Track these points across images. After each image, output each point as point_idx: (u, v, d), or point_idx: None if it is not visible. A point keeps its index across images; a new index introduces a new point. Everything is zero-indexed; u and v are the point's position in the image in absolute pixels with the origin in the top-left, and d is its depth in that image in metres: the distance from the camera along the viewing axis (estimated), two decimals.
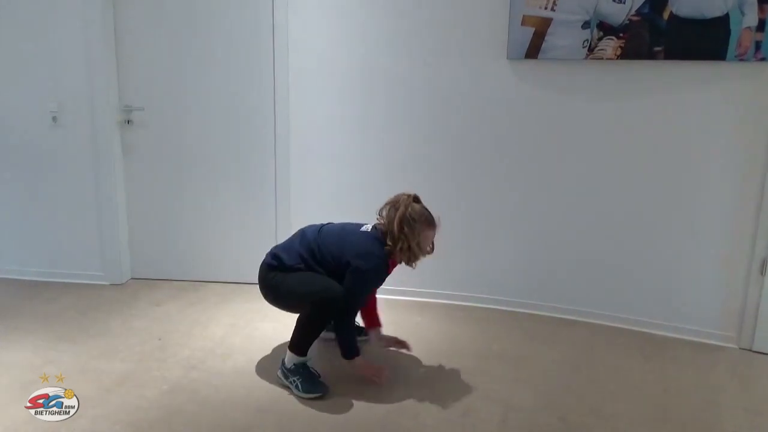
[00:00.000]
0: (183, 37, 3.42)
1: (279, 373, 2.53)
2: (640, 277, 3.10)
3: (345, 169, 3.42)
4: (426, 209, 2.51)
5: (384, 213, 2.52)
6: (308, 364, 2.50)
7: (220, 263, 3.66)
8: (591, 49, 2.94)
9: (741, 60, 2.73)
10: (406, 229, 2.43)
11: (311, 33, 3.31)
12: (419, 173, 3.35)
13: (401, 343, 2.77)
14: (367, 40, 3.26)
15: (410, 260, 2.50)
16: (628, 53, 2.89)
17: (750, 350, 2.92)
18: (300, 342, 2.47)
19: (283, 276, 2.50)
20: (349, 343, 2.49)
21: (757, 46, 2.70)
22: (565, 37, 2.96)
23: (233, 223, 3.60)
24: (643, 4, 2.82)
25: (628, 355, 2.86)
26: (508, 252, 3.30)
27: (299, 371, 2.47)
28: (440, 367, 2.69)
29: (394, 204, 2.49)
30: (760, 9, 2.66)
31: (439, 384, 2.55)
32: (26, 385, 2.45)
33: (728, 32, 2.72)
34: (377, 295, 2.82)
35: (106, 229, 3.60)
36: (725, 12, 2.71)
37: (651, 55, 2.86)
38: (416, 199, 2.51)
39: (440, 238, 3.45)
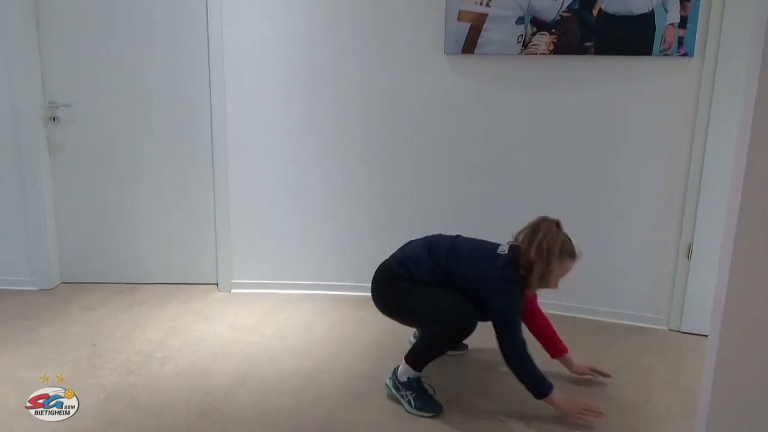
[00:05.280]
0: (113, 29, 3.28)
1: (389, 382, 2.39)
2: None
3: (285, 166, 3.38)
4: (568, 238, 2.31)
5: (521, 236, 2.33)
6: (422, 379, 2.36)
7: (156, 264, 3.54)
8: (525, 45, 3.00)
9: (665, 55, 2.86)
10: (540, 256, 2.24)
11: (248, 27, 3.24)
12: (358, 168, 3.35)
13: (596, 370, 2.56)
14: (305, 37, 3.23)
15: (537, 287, 2.30)
16: (560, 48, 2.97)
17: (679, 331, 3.07)
18: (421, 357, 2.33)
19: (410, 287, 2.35)
20: (536, 378, 2.24)
21: (680, 41, 2.83)
22: (500, 33, 3.01)
23: (170, 222, 3.49)
24: (574, 1, 2.90)
25: (567, 341, 2.94)
26: None
27: (412, 386, 2.33)
28: (386, 359, 2.70)
29: (533, 228, 2.30)
30: (682, 6, 2.78)
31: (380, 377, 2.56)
32: None
33: (653, 28, 2.83)
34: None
35: (33, 231, 3.42)
36: (650, 9, 2.82)
37: (582, 50, 2.95)
38: (558, 225, 2.32)
39: (379, 231, 3.46)
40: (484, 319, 2.33)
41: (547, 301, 3.25)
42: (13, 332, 2.92)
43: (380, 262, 2.50)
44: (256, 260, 3.50)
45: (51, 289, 3.48)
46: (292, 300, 3.39)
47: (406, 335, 2.87)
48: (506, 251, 2.34)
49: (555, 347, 2.56)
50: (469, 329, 2.28)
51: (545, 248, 2.24)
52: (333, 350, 2.82)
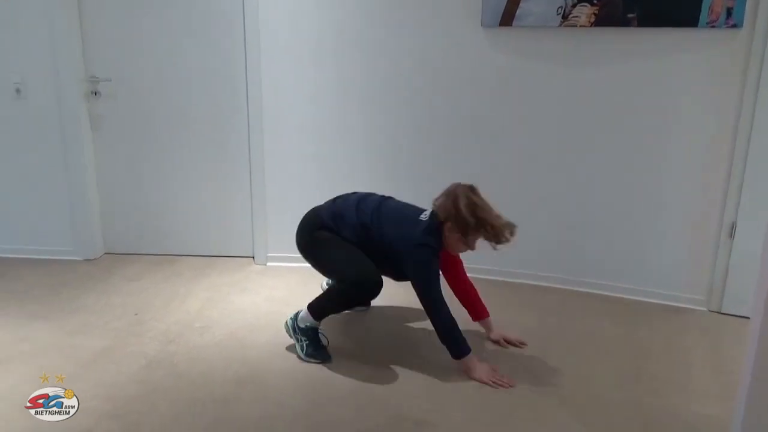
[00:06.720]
0: (150, 4, 3.32)
1: (289, 323, 2.56)
2: (612, 243, 3.15)
3: (320, 139, 3.39)
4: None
5: (438, 202, 2.41)
6: (320, 330, 2.53)
7: (195, 237, 3.62)
8: (565, 16, 2.92)
9: (712, 27, 2.74)
10: (479, 213, 2.31)
11: (283, 2, 3.23)
12: (393, 142, 3.33)
13: (508, 340, 2.65)
14: (342, 7, 3.20)
15: (499, 239, 2.32)
16: (602, 20, 2.88)
17: (719, 312, 3.01)
18: (322, 309, 2.50)
19: (332, 241, 2.50)
20: (455, 339, 2.36)
21: (729, 12, 2.71)
22: (539, 4, 2.94)
23: (208, 195, 3.55)
24: None
25: (601, 320, 2.92)
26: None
27: (308, 334, 2.50)
28: (414, 330, 2.72)
29: (450, 196, 2.38)
30: None
31: (414, 353, 2.59)
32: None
33: None
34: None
35: (76, 203, 3.53)
36: None
37: (625, 22, 2.86)
38: (473, 189, 2.40)
39: None
40: (403, 279, 2.49)
41: (584, 279, 3.22)
42: (59, 300, 3.03)
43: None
44: (291, 234, 3.52)
45: (95, 259, 3.59)
46: None
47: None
48: (428, 217, 2.43)
49: (476, 311, 2.66)
50: (374, 293, 2.43)
51: (477, 205, 2.33)
52: (365, 324, 2.85)
